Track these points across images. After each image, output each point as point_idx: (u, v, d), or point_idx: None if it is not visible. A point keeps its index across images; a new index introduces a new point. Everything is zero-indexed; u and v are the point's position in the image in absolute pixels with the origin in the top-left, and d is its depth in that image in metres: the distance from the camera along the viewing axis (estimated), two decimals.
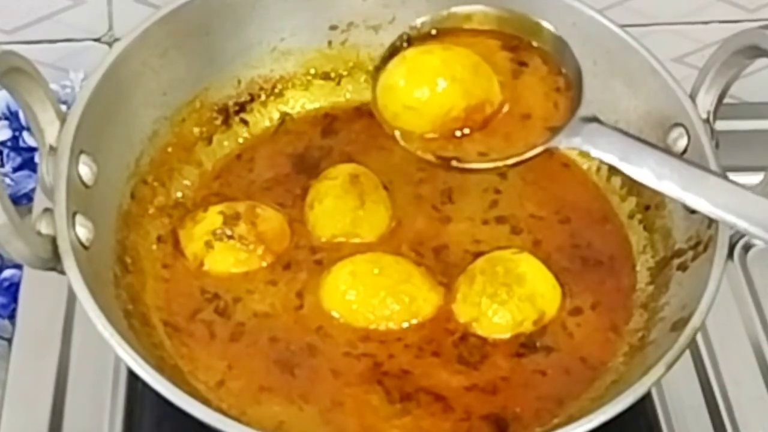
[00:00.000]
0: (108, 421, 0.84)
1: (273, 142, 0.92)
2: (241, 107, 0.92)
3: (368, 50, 0.93)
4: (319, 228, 0.86)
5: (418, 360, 0.80)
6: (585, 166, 0.90)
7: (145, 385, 0.72)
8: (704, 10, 1.06)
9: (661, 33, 1.06)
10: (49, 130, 0.78)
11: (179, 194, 0.88)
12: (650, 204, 0.86)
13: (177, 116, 0.88)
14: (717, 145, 0.83)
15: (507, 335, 0.81)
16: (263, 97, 0.93)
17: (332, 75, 0.94)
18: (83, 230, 0.76)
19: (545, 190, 0.89)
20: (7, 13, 1.01)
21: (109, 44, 1.03)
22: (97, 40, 1.03)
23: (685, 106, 0.84)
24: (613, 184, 0.89)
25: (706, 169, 0.79)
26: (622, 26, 0.87)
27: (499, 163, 0.77)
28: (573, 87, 0.79)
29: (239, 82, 0.92)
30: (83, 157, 0.79)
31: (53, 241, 0.75)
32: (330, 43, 0.93)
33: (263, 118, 0.93)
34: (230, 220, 0.84)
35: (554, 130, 0.77)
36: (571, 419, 0.73)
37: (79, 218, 0.76)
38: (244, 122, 0.92)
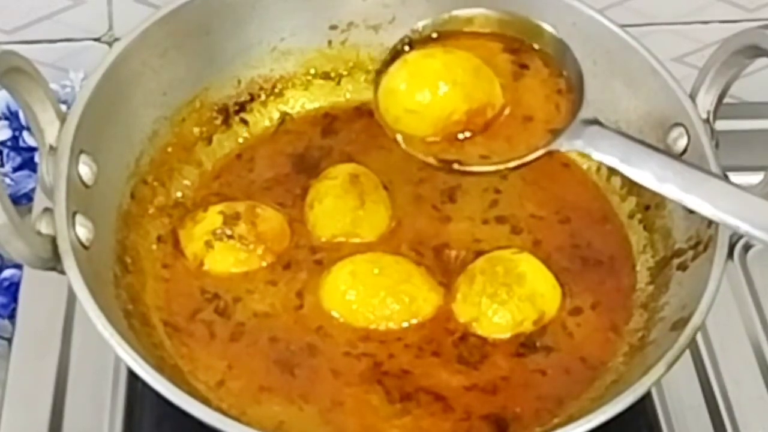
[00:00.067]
0: (108, 421, 0.84)
1: (273, 142, 0.92)
2: (241, 107, 0.92)
3: (368, 50, 0.93)
4: (319, 228, 0.86)
5: (418, 360, 0.80)
6: (585, 166, 0.90)
7: (145, 385, 0.72)
8: (704, 10, 1.06)
9: (661, 33, 1.06)
10: (49, 130, 0.78)
11: (179, 194, 0.88)
12: (650, 204, 0.86)
13: (177, 116, 0.88)
14: (717, 145, 0.83)
15: (507, 335, 0.81)
16: (263, 97, 0.93)
17: (332, 75, 0.94)
18: (83, 230, 0.76)
19: (545, 190, 0.89)
20: (7, 13, 1.01)
21: (109, 44, 1.03)
22: (97, 40, 1.03)
23: (685, 106, 0.84)
24: (613, 184, 0.89)
25: (708, 171, 0.79)
26: (622, 26, 0.87)
27: (501, 166, 0.77)
28: (574, 89, 0.79)
29: (239, 82, 0.92)
30: (83, 157, 0.79)
31: (53, 241, 0.75)
32: (330, 42, 0.93)
33: (263, 118, 0.93)
34: (230, 220, 0.84)
35: (556, 133, 0.77)
36: (571, 419, 0.73)
37: (79, 218, 0.76)
38: (244, 122, 0.92)
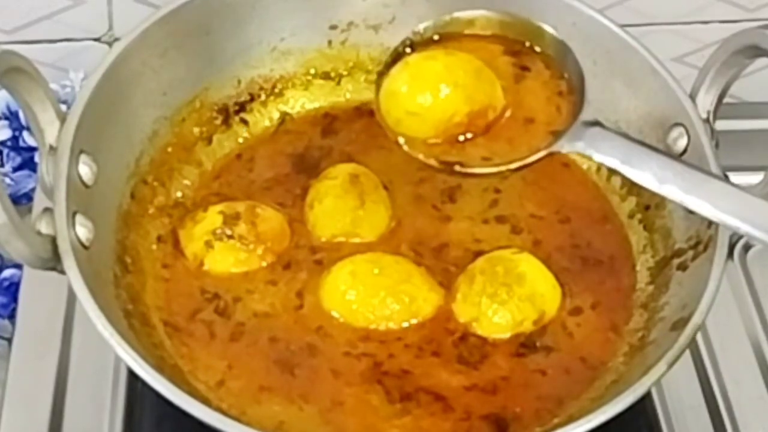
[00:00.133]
0: (108, 421, 0.84)
1: (273, 141, 0.92)
2: (241, 107, 0.92)
3: (368, 50, 0.93)
4: (319, 228, 0.86)
5: (418, 360, 0.80)
6: (585, 166, 0.90)
7: (145, 385, 0.72)
8: (704, 10, 1.06)
9: (661, 33, 1.06)
10: (49, 130, 0.78)
11: (179, 194, 0.88)
12: (650, 204, 0.86)
13: (177, 116, 0.88)
14: (717, 145, 0.83)
15: (507, 335, 0.81)
16: (263, 97, 0.93)
17: (332, 75, 0.94)
18: (83, 230, 0.76)
19: (545, 190, 0.89)
20: (7, 13, 1.01)
21: (109, 44, 1.03)
22: (97, 40, 1.03)
23: (685, 106, 0.84)
24: (613, 183, 0.89)
25: (708, 172, 0.79)
26: (622, 26, 0.87)
27: (503, 168, 0.77)
28: (575, 91, 0.79)
29: (239, 82, 0.92)
30: (83, 157, 0.79)
31: (53, 240, 0.75)
32: (330, 42, 0.93)
33: (263, 117, 0.93)
34: (230, 220, 0.84)
35: (557, 134, 0.77)
36: (571, 419, 0.73)
37: (79, 218, 0.76)
38: (244, 122, 0.92)
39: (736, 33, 0.81)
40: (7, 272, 0.94)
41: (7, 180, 0.98)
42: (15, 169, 0.99)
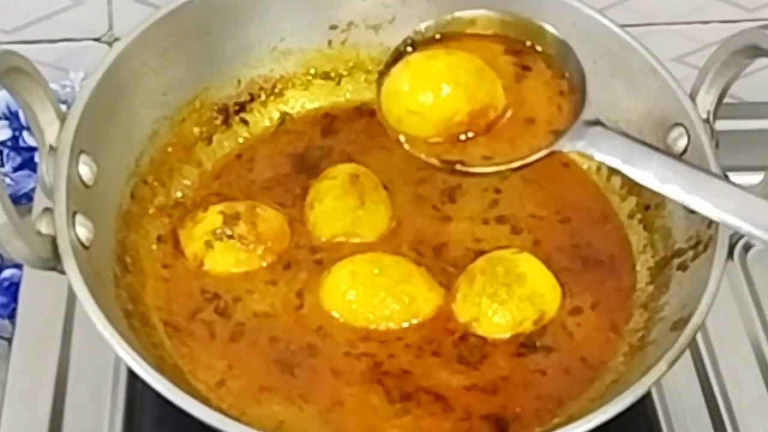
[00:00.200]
0: (108, 421, 0.84)
1: (273, 142, 0.92)
2: (241, 107, 0.92)
3: (368, 50, 0.93)
4: (319, 228, 0.86)
5: (418, 360, 0.80)
6: (585, 166, 0.90)
7: (145, 385, 0.72)
8: (704, 10, 1.06)
9: (661, 33, 1.06)
10: (49, 130, 0.78)
11: (179, 194, 0.88)
12: (650, 204, 0.86)
13: (177, 116, 0.88)
14: (717, 145, 0.83)
15: (507, 335, 0.81)
16: (263, 97, 0.93)
17: (332, 75, 0.94)
18: (83, 230, 0.76)
19: (545, 190, 0.89)
20: (7, 13, 1.01)
21: (109, 44, 1.03)
22: (97, 40, 1.03)
23: (685, 106, 0.84)
24: (613, 183, 0.89)
25: (709, 172, 0.79)
26: (622, 26, 0.87)
27: (503, 167, 0.77)
28: (576, 90, 0.79)
29: (239, 82, 0.92)
30: (83, 157, 0.79)
31: (53, 240, 0.75)
32: (330, 42, 0.93)
33: (263, 117, 0.93)
34: (230, 220, 0.84)
35: (558, 134, 0.77)
36: (571, 419, 0.73)
37: (79, 218, 0.76)
38: (244, 122, 0.92)
39: (736, 33, 0.81)
40: (7, 272, 0.94)
41: (7, 180, 0.98)
42: (15, 169, 0.99)
